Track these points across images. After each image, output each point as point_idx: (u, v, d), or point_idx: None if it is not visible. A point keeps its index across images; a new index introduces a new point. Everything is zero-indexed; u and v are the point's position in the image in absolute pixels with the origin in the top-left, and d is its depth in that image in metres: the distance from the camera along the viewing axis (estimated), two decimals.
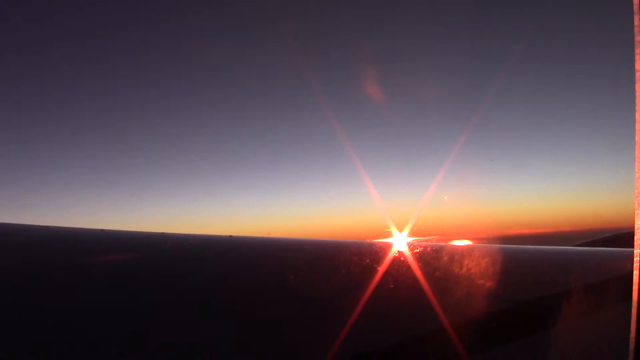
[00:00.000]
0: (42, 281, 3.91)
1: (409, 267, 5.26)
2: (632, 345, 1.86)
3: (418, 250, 6.35)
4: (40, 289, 3.70)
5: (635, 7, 1.67)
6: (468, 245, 7.07)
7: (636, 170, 1.67)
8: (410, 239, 6.94)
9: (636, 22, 1.67)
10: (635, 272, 1.77)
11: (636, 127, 1.66)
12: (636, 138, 1.67)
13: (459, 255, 6.43)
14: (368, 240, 7.39)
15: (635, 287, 1.79)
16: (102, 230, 6.59)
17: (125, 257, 5.06)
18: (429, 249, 6.83)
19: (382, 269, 4.97)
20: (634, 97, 1.65)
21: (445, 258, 6.21)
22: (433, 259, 6.08)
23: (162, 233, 6.62)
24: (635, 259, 1.78)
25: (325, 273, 5.03)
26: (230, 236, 6.76)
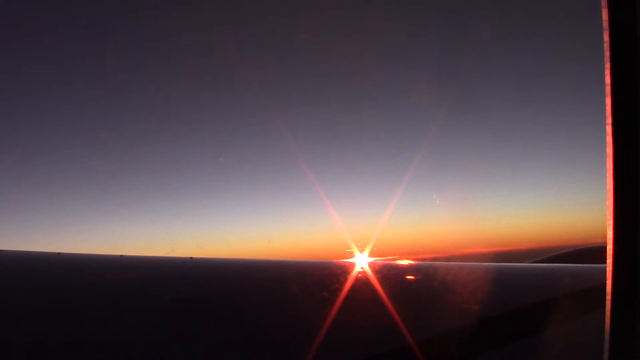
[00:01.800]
0: None
1: (371, 286, 5.27)
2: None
3: (378, 270, 6.37)
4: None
5: (605, 24, 1.72)
6: (428, 263, 7.12)
7: (607, 182, 1.71)
8: (371, 259, 6.96)
9: (605, 38, 1.72)
10: (608, 282, 1.80)
11: (607, 139, 1.70)
12: (607, 150, 1.71)
13: (419, 273, 6.47)
14: (329, 260, 7.38)
15: (608, 297, 1.81)
16: (59, 253, 6.42)
17: (88, 280, 4.92)
18: (389, 268, 6.86)
19: (344, 288, 4.96)
20: (602, 110, 1.70)
21: (406, 276, 6.25)
22: (394, 278, 6.10)
23: (121, 255, 6.47)
24: (607, 269, 1.81)
25: (288, 293, 4.98)
26: (191, 257, 6.65)
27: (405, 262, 7.50)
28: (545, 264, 11.60)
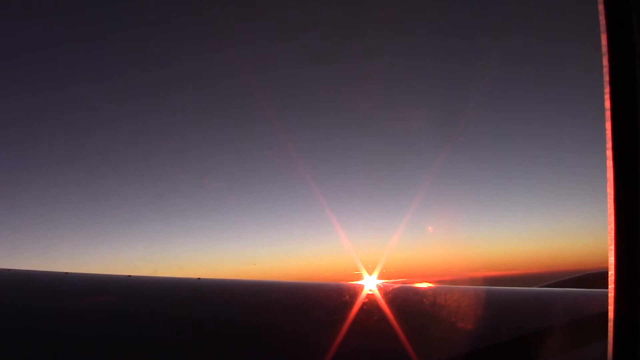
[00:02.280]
0: None
1: (380, 309, 5.25)
2: None
3: (388, 292, 6.35)
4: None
5: (604, 49, 1.74)
6: (437, 287, 7.08)
7: (608, 206, 1.72)
8: (380, 281, 6.94)
9: (605, 63, 1.74)
10: (610, 308, 1.79)
11: (607, 164, 1.71)
12: (607, 175, 1.71)
13: (429, 296, 6.43)
14: (338, 282, 7.36)
15: (610, 324, 1.80)
16: (67, 273, 6.45)
17: (93, 300, 4.94)
18: (399, 290, 6.83)
19: (353, 310, 4.94)
20: (604, 134, 1.71)
21: (416, 299, 6.21)
22: (404, 301, 6.07)
23: (129, 276, 6.49)
24: (609, 295, 1.80)
25: (296, 315, 4.97)
26: (199, 279, 6.66)
27: (414, 284, 7.47)
28: (556, 288, 11.50)
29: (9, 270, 6.37)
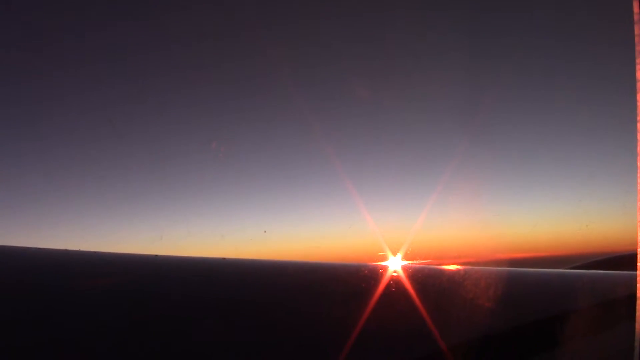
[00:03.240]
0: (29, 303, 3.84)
1: (404, 290, 5.23)
2: None
3: (412, 273, 6.32)
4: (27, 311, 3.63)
5: (636, 17, 1.67)
6: (462, 268, 7.03)
7: (638, 187, 1.66)
8: (404, 262, 6.92)
9: (636, 32, 1.67)
10: (639, 287, 1.75)
11: (638, 136, 1.65)
12: (638, 149, 1.65)
13: (454, 278, 6.39)
14: (362, 263, 7.35)
15: (638, 302, 1.76)
16: (95, 252, 6.53)
17: (118, 279, 4.99)
18: (423, 272, 6.80)
19: (377, 291, 4.93)
20: (635, 113, 1.64)
21: (440, 281, 6.18)
22: (428, 282, 6.04)
23: (156, 255, 6.55)
24: (638, 278, 1.76)
25: (320, 296, 4.98)
26: (224, 258, 6.70)
27: (439, 266, 7.43)
28: (583, 270, 11.36)
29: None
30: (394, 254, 7.08)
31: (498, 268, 7.51)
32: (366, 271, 6.57)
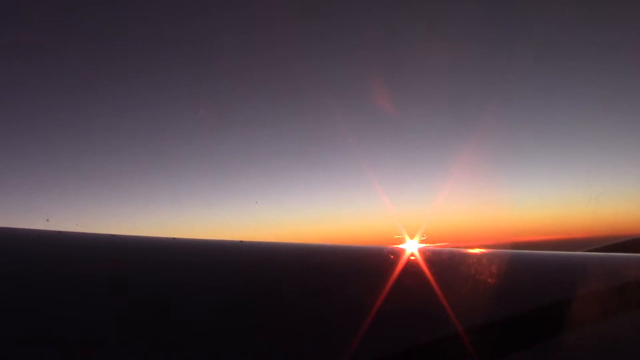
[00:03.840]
0: (47, 287, 3.91)
1: (421, 273, 5.24)
2: None
3: (429, 256, 6.33)
4: (45, 295, 3.70)
5: None
6: (480, 251, 7.02)
7: None
8: (421, 245, 6.93)
9: None
10: None
11: None
12: None
13: (471, 261, 6.39)
14: (379, 245, 7.37)
15: None
16: (114, 235, 6.60)
17: (136, 261, 5.05)
18: (440, 255, 6.80)
19: (394, 274, 4.95)
20: None
21: (458, 264, 6.18)
22: (445, 265, 6.05)
23: (174, 238, 6.61)
24: None
25: (335, 278, 5.01)
26: (242, 241, 6.75)
27: (456, 249, 7.43)
28: (603, 252, 11.27)
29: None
30: (411, 237, 7.10)
31: (515, 251, 7.49)
32: (383, 253, 6.60)
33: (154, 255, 5.55)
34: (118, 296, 3.77)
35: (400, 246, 6.86)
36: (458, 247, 7.61)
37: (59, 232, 6.35)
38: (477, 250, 7.10)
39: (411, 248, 6.66)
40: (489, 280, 5.20)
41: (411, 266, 5.51)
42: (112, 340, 2.98)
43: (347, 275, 5.17)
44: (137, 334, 3.08)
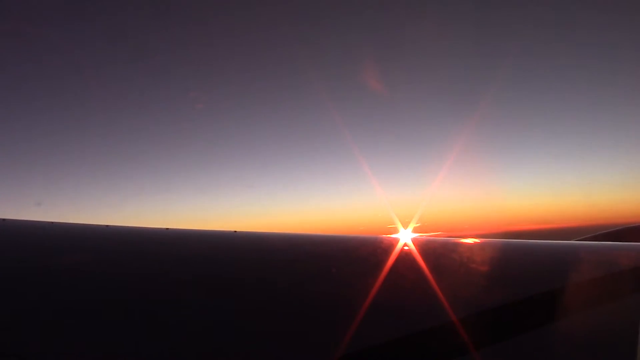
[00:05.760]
0: (43, 278, 3.90)
1: (414, 262, 5.24)
2: None
3: (423, 246, 6.33)
4: (42, 286, 3.69)
5: None
6: (474, 241, 7.04)
7: None
8: (415, 235, 6.94)
9: None
10: None
11: None
12: None
13: (465, 250, 6.41)
14: (372, 235, 7.37)
15: None
16: (107, 225, 6.58)
17: (130, 252, 5.04)
18: (434, 244, 6.81)
19: (387, 264, 4.95)
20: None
21: (451, 253, 6.19)
22: (439, 255, 6.06)
23: (167, 229, 6.60)
24: None
25: (329, 268, 5.01)
26: (235, 231, 6.74)
27: (449, 238, 7.44)
28: (595, 241, 11.34)
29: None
30: (405, 226, 7.10)
31: (508, 240, 7.52)
32: (376, 243, 6.60)
33: (147, 245, 5.54)
34: (111, 286, 3.76)
35: (393, 236, 6.86)
36: (451, 237, 7.62)
37: (52, 223, 6.34)
38: (470, 240, 7.12)
39: (404, 237, 6.66)
40: (482, 269, 5.22)
41: (404, 255, 5.52)
42: (105, 328, 2.98)
43: (341, 265, 5.17)
44: (130, 322, 3.08)
